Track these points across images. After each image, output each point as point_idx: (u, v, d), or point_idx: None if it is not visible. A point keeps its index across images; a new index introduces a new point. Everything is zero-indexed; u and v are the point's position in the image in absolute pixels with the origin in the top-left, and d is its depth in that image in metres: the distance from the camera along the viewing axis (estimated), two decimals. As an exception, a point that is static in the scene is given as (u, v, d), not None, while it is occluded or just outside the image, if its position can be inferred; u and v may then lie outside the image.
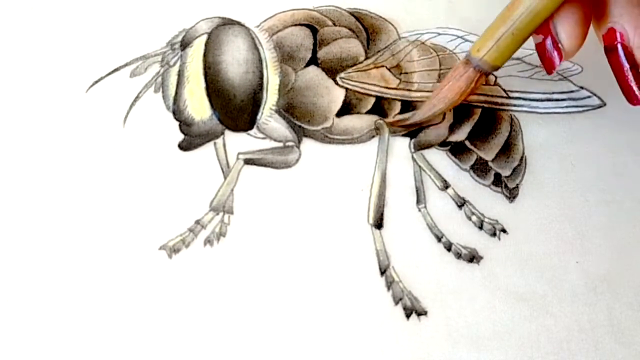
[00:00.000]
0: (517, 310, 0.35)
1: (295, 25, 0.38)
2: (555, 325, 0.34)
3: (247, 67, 0.37)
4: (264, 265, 0.35)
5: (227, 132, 0.37)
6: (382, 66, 0.38)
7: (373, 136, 0.37)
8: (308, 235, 0.35)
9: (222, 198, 0.36)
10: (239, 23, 0.38)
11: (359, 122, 0.37)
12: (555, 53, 0.32)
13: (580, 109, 0.38)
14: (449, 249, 0.36)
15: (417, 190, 0.37)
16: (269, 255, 0.35)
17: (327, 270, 0.35)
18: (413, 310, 0.34)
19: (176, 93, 0.37)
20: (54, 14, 0.40)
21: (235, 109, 0.37)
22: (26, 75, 0.38)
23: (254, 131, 0.37)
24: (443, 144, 0.37)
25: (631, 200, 0.37)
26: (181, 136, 0.37)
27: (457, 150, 0.37)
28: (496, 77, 0.38)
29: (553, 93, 0.38)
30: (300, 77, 0.37)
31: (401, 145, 0.37)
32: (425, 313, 0.34)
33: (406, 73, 0.38)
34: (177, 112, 0.37)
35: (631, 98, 0.33)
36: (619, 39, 0.32)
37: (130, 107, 0.37)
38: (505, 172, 0.37)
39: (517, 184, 0.37)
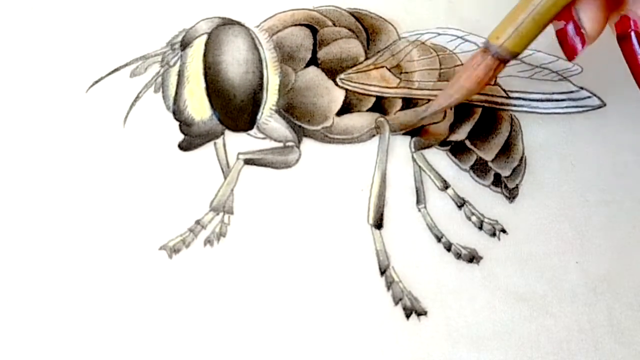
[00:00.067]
0: (517, 310, 0.35)
1: (295, 25, 0.38)
2: (555, 325, 0.34)
3: (247, 67, 0.37)
4: (264, 266, 0.35)
5: (227, 132, 0.37)
6: (382, 66, 0.38)
7: (373, 135, 0.37)
8: (308, 236, 0.35)
9: (222, 198, 0.36)
10: (239, 23, 0.38)
11: (359, 120, 0.37)
12: (578, 39, 0.32)
13: (580, 109, 0.38)
14: (448, 249, 0.36)
15: (417, 191, 0.37)
16: (269, 255, 0.35)
17: (327, 270, 0.35)
18: (413, 310, 0.34)
19: (176, 93, 0.37)
20: (54, 14, 0.40)
21: (235, 109, 0.37)
22: (26, 75, 0.38)
23: (254, 131, 0.37)
24: (443, 143, 0.37)
25: (631, 200, 0.37)
26: (181, 136, 0.37)
27: (457, 150, 0.37)
28: (496, 77, 0.38)
29: (553, 93, 0.38)
30: (300, 77, 0.37)
31: (401, 145, 0.37)
32: (425, 313, 0.34)
33: (406, 73, 0.38)
34: (177, 112, 0.37)
35: None
36: (632, 27, 0.32)
37: (131, 107, 0.37)
38: (505, 172, 0.37)
39: (517, 184, 0.37)
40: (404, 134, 0.37)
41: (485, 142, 0.37)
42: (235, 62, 0.37)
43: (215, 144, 0.37)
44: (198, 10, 0.39)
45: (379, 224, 0.36)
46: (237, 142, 0.37)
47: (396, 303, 0.34)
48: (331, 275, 0.35)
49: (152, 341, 0.34)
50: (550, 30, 0.32)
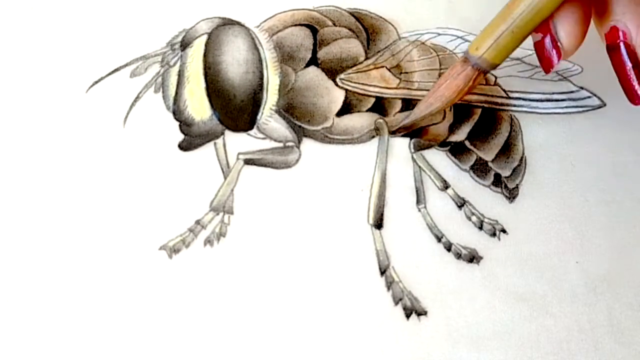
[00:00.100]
0: (517, 310, 0.35)
1: (295, 25, 0.38)
2: (555, 325, 0.34)
3: (247, 67, 0.37)
4: (264, 266, 0.35)
5: (227, 132, 0.37)
6: (382, 67, 0.38)
7: (373, 136, 0.37)
8: (308, 236, 0.35)
9: (222, 198, 0.36)
10: (239, 23, 0.38)
11: (359, 120, 0.37)
12: (554, 52, 0.32)
13: (580, 109, 0.38)
14: (449, 249, 0.36)
15: (417, 191, 0.37)
16: (269, 255, 0.35)
17: (327, 270, 0.35)
18: (413, 310, 0.34)
19: (176, 93, 0.37)
20: (54, 14, 0.40)
21: (235, 109, 0.37)
22: (26, 76, 0.38)
23: (254, 131, 0.37)
24: (443, 144, 0.37)
25: (631, 200, 0.37)
26: (181, 136, 0.37)
27: (457, 151, 0.37)
28: (496, 77, 0.38)
29: (553, 93, 0.38)
30: (300, 77, 0.37)
31: (401, 145, 0.37)
32: (425, 313, 0.34)
33: (406, 73, 0.38)
34: (177, 112, 0.37)
35: (633, 97, 0.33)
36: (621, 38, 0.32)
37: (131, 107, 0.37)
38: (505, 173, 0.37)
39: (517, 184, 0.37)
40: (403, 135, 0.37)
41: (485, 143, 0.37)
42: (235, 62, 0.37)
43: (215, 144, 0.37)
44: (198, 10, 0.39)
45: (379, 224, 0.36)
46: (237, 142, 0.37)
47: (396, 303, 0.34)
48: (331, 275, 0.35)
49: (152, 341, 0.34)
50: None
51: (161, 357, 0.33)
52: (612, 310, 0.35)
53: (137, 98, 0.37)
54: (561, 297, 0.35)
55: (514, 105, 0.38)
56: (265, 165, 0.37)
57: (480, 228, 0.36)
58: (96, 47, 0.39)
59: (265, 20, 0.39)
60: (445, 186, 0.37)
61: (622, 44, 0.32)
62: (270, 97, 0.37)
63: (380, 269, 0.35)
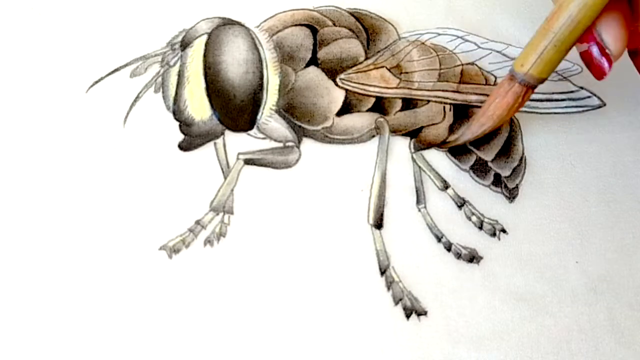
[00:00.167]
0: (517, 310, 0.35)
1: (295, 25, 0.38)
2: (555, 325, 0.34)
3: (247, 67, 0.37)
4: (264, 266, 0.35)
5: (227, 132, 0.37)
6: (382, 67, 0.38)
7: (373, 136, 0.37)
8: (308, 236, 0.35)
9: (222, 198, 0.36)
10: (239, 23, 0.38)
11: (359, 120, 0.37)
12: (604, 59, 0.32)
13: (580, 109, 0.38)
14: (449, 249, 0.36)
15: (417, 191, 0.37)
16: (269, 255, 0.35)
17: (327, 270, 0.35)
18: (413, 310, 0.34)
19: (176, 93, 0.37)
20: (54, 14, 0.40)
21: (235, 109, 0.37)
22: (26, 76, 0.38)
23: (254, 131, 0.37)
24: (443, 144, 0.37)
25: (631, 200, 0.37)
26: (181, 136, 0.37)
27: (457, 151, 0.37)
28: (496, 77, 0.38)
29: (553, 93, 0.38)
30: (300, 77, 0.37)
31: (401, 145, 0.37)
32: (425, 313, 0.34)
33: (406, 73, 0.38)
34: (177, 112, 0.37)
35: None
36: None
37: (131, 107, 0.37)
38: (505, 173, 0.37)
39: (517, 184, 0.37)
40: (403, 135, 0.37)
41: (485, 143, 0.37)
42: (235, 62, 0.37)
43: (215, 144, 0.37)
44: (198, 10, 0.39)
45: (379, 224, 0.36)
46: (237, 142, 0.37)
47: (396, 303, 0.34)
48: (331, 275, 0.35)
49: (152, 341, 0.34)
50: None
51: (161, 357, 0.33)
52: (612, 310, 0.35)
53: (137, 98, 0.37)
54: (561, 297, 0.35)
55: (514, 105, 0.38)
56: (265, 165, 0.37)
57: (480, 228, 0.36)
58: (96, 47, 0.39)
59: (265, 20, 0.39)
60: (445, 186, 0.37)
61: None
62: (270, 97, 0.37)
63: (380, 269, 0.35)
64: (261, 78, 0.37)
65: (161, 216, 0.35)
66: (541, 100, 0.38)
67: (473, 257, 0.35)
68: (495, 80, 0.38)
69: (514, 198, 0.37)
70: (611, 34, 0.31)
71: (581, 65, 0.38)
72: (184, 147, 0.37)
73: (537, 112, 0.38)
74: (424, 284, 0.35)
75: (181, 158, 0.37)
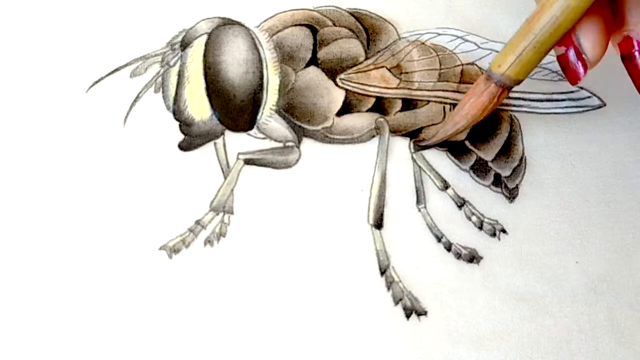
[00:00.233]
0: (517, 310, 0.35)
1: (295, 25, 0.38)
2: (555, 325, 0.34)
3: (247, 67, 0.37)
4: (264, 266, 0.35)
5: (227, 132, 0.37)
6: (382, 67, 0.38)
7: (373, 136, 0.37)
8: (308, 236, 0.35)
9: (222, 198, 0.36)
10: (239, 23, 0.38)
11: (359, 120, 0.37)
12: (580, 64, 0.32)
13: (580, 109, 0.38)
14: (449, 249, 0.36)
15: (417, 191, 0.37)
16: (269, 255, 0.35)
17: (327, 270, 0.35)
18: (413, 310, 0.34)
19: (176, 93, 0.37)
20: (54, 14, 0.40)
21: (235, 109, 0.37)
22: (26, 76, 0.38)
23: (254, 131, 0.37)
24: (443, 144, 0.37)
25: (631, 200, 0.37)
26: (181, 136, 0.37)
27: (457, 151, 0.37)
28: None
29: (553, 93, 0.38)
30: (300, 77, 0.37)
31: (401, 145, 0.37)
32: (425, 313, 0.34)
33: (406, 73, 0.38)
34: (177, 112, 0.37)
35: None
36: (636, 47, 0.32)
37: (131, 107, 0.37)
38: (505, 173, 0.37)
39: (517, 184, 0.37)
40: (403, 135, 0.37)
41: (485, 143, 0.37)
42: (235, 62, 0.37)
43: (215, 144, 0.37)
44: (198, 10, 0.39)
45: (379, 224, 0.36)
46: (237, 142, 0.37)
47: (396, 303, 0.34)
48: (331, 275, 0.35)
49: (152, 341, 0.34)
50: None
51: (161, 357, 0.33)
52: (612, 310, 0.35)
53: (137, 98, 0.37)
54: (561, 297, 0.35)
55: (514, 105, 0.38)
56: (265, 165, 0.37)
57: (480, 228, 0.36)
58: (96, 47, 0.39)
59: (265, 20, 0.39)
60: (445, 186, 0.37)
61: (636, 53, 0.32)
62: (270, 97, 0.37)
63: (380, 269, 0.35)
64: (261, 78, 0.37)
65: (161, 216, 0.35)
66: (541, 100, 0.38)
67: (473, 257, 0.35)
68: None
69: (514, 198, 0.37)
70: (590, 39, 0.31)
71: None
72: (184, 147, 0.37)
73: (537, 112, 0.38)
74: (424, 284, 0.35)
75: (181, 158, 0.37)
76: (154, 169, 0.36)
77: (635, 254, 0.36)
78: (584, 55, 0.32)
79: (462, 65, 0.38)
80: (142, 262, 0.35)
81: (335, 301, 0.34)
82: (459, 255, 0.35)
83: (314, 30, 0.38)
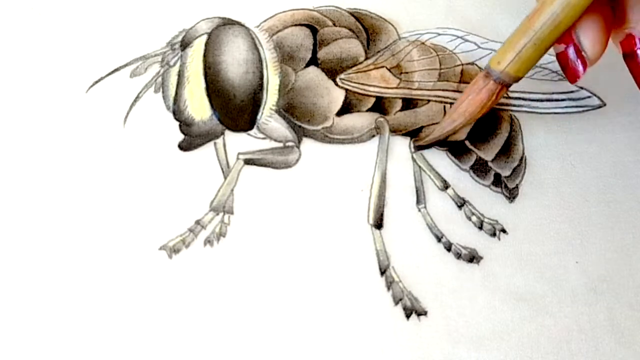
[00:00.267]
0: (517, 310, 0.35)
1: (295, 25, 0.38)
2: (555, 325, 0.34)
3: (247, 67, 0.37)
4: (264, 266, 0.35)
5: (227, 132, 0.37)
6: (382, 67, 0.38)
7: (373, 135, 0.37)
8: (308, 236, 0.35)
9: (222, 198, 0.36)
10: (239, 23, 0.38)
11: (359, 120, 0.37)
12: (579, 62, 0.32)
13: (580, 109, 0.38)
14: (449, 249, 0.36)
15: (417, 191, 0.37)
16: (269, 255, 0.35)
17: (327, 270, 0.35)
18: (413, 310, 0.34)
19: (176, 93, 0.37)
20: (54, 14, 0.40)
21: (235, 109, 0.37)
22: (26, 76, 0.38)
23: (254, 131, 0.37)
24: (443, 144, 0.37)
25: (631, 200, 0.37)
26: (181, 136, 0.37)
27: (457, 151, 0.37)
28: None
29: (553, 93, 0.38)
30: (300, 77, 0.37)
31: (401, 145, 0.37)
32: (425, 313, 0.34)
33: (406, 73, 0.38)
34: (177, 112, 0.37)
35: None
36: (638, 45, 0.32)
37: (131, 107, 0.37)
38: (505, 172, 0.37)
39: (517, 184, 0.37)
40: (403, 135, 0.37)
41: (485, 143, 0.37)
42: (235, 62, 0.37)
43: (215, 144, 0.37)
44: (198, 10, 0.39)
45: (379, 224, 0.36)
46: (237, 142, 0.37)
47: (396, 303, 0.34)
48: (331, 275, 0.35)
49: (152, 341, 0.34)
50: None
51: (161, 357, 0.33)
52: (612, 310, 0.35)
53: (137, 98, 0.37)
54: (561, 297, 0.35)
55: (514, 105, 0.38)
56: (265, 165, 0.37)
57: (480, 228, 0.36)
58: (96, 47, 0.39)
59: (265, 20, 0.39)
60: (445, 186, 0.37)
61: (639, 51, 0.32)
62: (270, 97, 0.37)
63: (380, 269, 0.35)
64: (261, 78, 0.37)
65: (161, 216, 0.35)
66: (541, 100, 0.38)
67: (473, 257, 0.35)
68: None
69: (514, 198, 0.37)
70: (589, 37, 0.31)
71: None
72: (184, 147, 0.37)
73: (537, 112, 0.38)
74: (424, 284, 0.35)
75: (181, 158, 0.37)
76: (154, 169, 0.36)
77: (635, 254, 0.36)
78: (583, 53, 0.32)
79: (462, 65, 0.38)
80: (142, 262, 0.35)
81: (335, 301, 0.34)
82: (459, 255, 0.35)
83: (314, 30, 0.38)
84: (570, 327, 0.34)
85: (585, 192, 0.37)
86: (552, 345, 0.34)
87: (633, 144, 0.38)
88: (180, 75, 0.37)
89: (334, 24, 0.38)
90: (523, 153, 0.37)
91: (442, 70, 0.38)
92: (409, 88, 0.37)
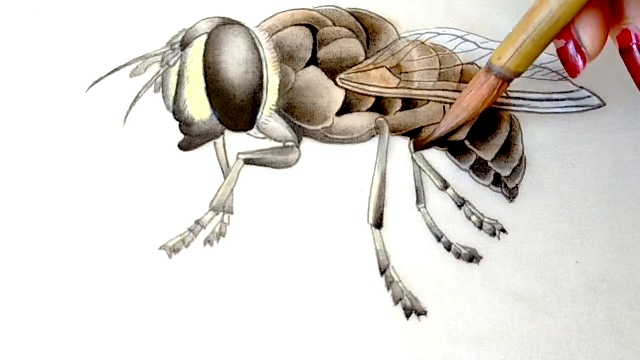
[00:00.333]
0: (517, 310, 0.35)
1: (295, 25, 0.38)
2: (555, 325, 0.34)
3: (247, 67, 0.37)
4: (264, 266, 0.35)
5: (227, 132, 0.37)
6: (382, 66, 0.38)
7: (373, 135, 0.37)
8: (308, 236, 0.35)
9: (222, 198, 0.36)
10: (239, 23, 0.38)
11: (359, 120, 0.37)
12: (579, 57, 0.32)
13: (580, 109, 0.38)
14: (449, 249, 0.36)
15: (417, 191, 0.37)
16: (269, 255, 0.35)
17: (327, 270, 0.35)
18: (413, 310, 0.34)
19: (176, 93, 0.37)
20: (54, 14, 0.40)
21: (235, 109, 0.37)
22: (26, 76, 0.38)
23: (254, 131, 0.37)
24: (443, 144, 0.37)
25: (631, 200, 0.37)
26: (181, 136, 0.37)
27: (457, 151, 0.37)
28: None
29: (553, 93, 0.38)
30: (300, 77, 0.37)
31: (401, 145, 0.37)
32: (425, 313, 0.34)
33: (406, 73, 0.38)
34: (177, 112, 0.37)
35: None
36: (634, 40, 0.32)
37: (131, 107, 0.37)
38: (505, 172, 0.37)
39: (517, 184, 0.37)
40: (403, 135, 0.37)
41: (485, 143, 0.37)
42: (235, 62, 0.37)
43: (215, 144, 0.37)
44: (198, 10, 0.39)
45: (379, 224, 0.36)
46: (237, 142, 0.37)
47: (396, 303, 0.34)
48: (331, 275, 0.35)
49: (152, 341, 0.34)
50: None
51: (161, 357, 0.33)
52: (612, 310, 0.35)
53: (137, 98, 0.37)
54: (561, 297, 0.35)
55: (514, 105, 0.38)
56: (265, 165, 0.37)
57: (480, 228, 0.36)
58: (96, 47, 0.39)
59: (265, 20, 0.39)
60: (445, 186, 0.37)
61: (635, 47, 0.32)
62: (270, 97, 0.37)
63: (380, 269, 0.35)
64: (261, 78, 0.37)
65: (161, 216, 0.35)
66: (541, 100, 0.38)
67: (473, 257, 0.35)
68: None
69: (514, 198, 0.37)
70: (589, 32, 0.32)
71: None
72: (184, 147, 0.37)
73: (537, 112, 0.38)
74: (424, 284, 0.35)
75: (181, 158, 0.37)
76: (154, 169, 0.36)
77: (635, 254, 0.36)
78: (583, 49, 0.32)
79: (462, 65, 0.38)
80: (142, 262, 0.35)
81: (335, 301, 0.34)
82: (459, 255, 0.35)
83: (314, 30, 0.38)
84: (570, 327, 0.34)
85: (585, 192, 0.37)
86: (552, 345, 0.34)
87: (633, 144, 0.38)
88: (180, 75, 0.37)
89: (334, 24, 0.38)
90: (523, 153, 0.37)
91: (442, 70, 0.38)
92: (409, 88, 0.37)
